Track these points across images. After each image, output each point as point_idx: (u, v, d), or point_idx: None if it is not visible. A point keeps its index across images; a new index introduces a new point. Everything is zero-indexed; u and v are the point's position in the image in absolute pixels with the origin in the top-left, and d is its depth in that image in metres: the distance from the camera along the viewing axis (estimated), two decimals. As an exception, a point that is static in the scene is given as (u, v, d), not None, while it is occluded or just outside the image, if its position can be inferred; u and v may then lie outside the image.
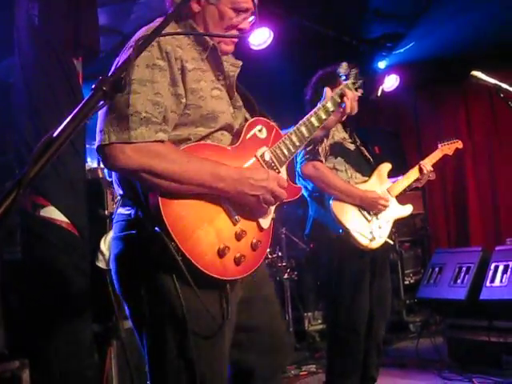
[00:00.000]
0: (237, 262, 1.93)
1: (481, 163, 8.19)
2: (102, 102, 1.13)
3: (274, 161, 2.15)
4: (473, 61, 6.70)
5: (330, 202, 3.63)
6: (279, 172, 2.15)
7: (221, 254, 1.88)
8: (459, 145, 4.41)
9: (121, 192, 2.02)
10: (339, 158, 3.79)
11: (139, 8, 5.51)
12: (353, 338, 3.69)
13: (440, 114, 8.49)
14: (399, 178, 4.05)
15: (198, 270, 1.82)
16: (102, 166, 5.36)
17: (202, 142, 1.97)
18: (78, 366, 3.66)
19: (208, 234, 1.88)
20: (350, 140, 3.95)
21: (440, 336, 5.42)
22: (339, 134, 3.86)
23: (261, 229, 2.07)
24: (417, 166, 4.11)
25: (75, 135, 1.16)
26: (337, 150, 3.79)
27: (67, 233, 3.69)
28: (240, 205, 1.97)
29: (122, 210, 1.99)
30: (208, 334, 1.90)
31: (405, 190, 4.00)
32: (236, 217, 1.96)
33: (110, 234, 3.95)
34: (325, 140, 3.65)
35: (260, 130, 2.16)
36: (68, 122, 1.09)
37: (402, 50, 7.40)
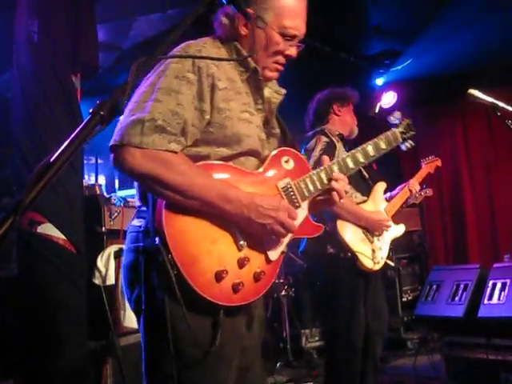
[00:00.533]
0: (234, 288, 1.84)
1: (478, 180, 8.21)
2: (99, 127, 1.13)
3: (296, 194, 2.05)
4: (470, 78, 6.74)
5: (337, 222, 3.61)
6: (299, 206, 2.05)
7: (218, 277, 1.80)
8: (438, 163, 4.47)
9: (138, 203, 2.03)
10: None
11: (138, 25, 5.54)
12: (351, 355, 3.68)
13: (437, 131, 8.53)
14: (393, 192, 4.06)
15: (191, 288, 1.76)
16: (99, 182, 5.37)
17: (222, 161, 1.92)
18: (74, 383, 3.64)
19: (209, 254, 1.82)
20: None
21: (438, 353, 5.38)
22: (343, 154, 3.88)
23: (268, 260, 1.97)
24: (404, 189, 4.11)
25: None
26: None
27: (64, 250, 3.68)
28: (249, 232, 1.90)
29: (135, 222, 2.00)
30: (191, 360, 1.84)
31: (401, 207, 4.00)
32: (242, 242, 1.88)
33: (107, 251, 3.97)
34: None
35: (287, 161, 2.09)
36: (65, 147, 1.09)
37: (399, 67, 7.44)
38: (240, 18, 2.01)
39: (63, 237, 3.68)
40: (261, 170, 2.03)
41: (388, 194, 4.07)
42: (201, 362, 1.83)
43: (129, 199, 4.48)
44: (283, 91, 2.22)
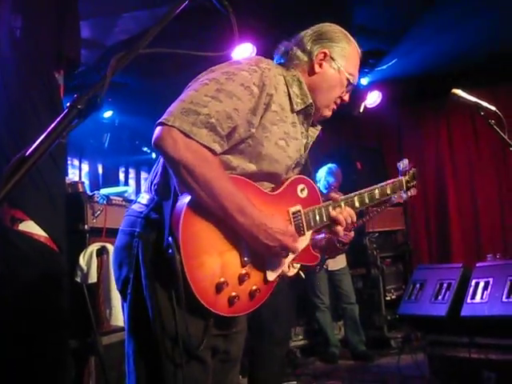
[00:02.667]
0: (230, 301, 1.90)
1: (462, 180, 8.27)
2: (76, 121, 1.12)
3: (303, 222, 2.15)
4: (455, 78, 6.79)
5: None
6: (304, 234, 2.15)
7: (219, 288, 1.87)
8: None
9: (146, 189, 2.08)
10: None
11: (123, 22, 5.50)
12: None
13: (422, 131, 8.58)
14: None
15: (190, 290, 1.81)
16: (82, 180, 5.32)
17: (244, 177, 1.99)
18: (54, 382, 3.61)
19: (214, 263, 1.87)
20: None
21: (421, 352, 5.41)
22: None
23: (265, 280, 2.04)
24: None
25: (56, 151, 1.14)
26: None
27: (45, 247, 3.65)
28: (254, 250, 1.97)
29: (135, 207, 2.05)
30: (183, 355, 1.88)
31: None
32: (246, 259, 1.96)
33: (90, 249, 3.94)
34: None
35: (302, 190, 2.20)
36: (41, 141, 1.08)
37: (384, 67, 7.45)
38: (319, 55, 2.16)
39: (45, 234, 3.64)
40: (276, 192, 2.12)
41: None
42: (176, 359, 1.88)
43: (112, 197, 4.45)
44: (319, 127, 2.33)
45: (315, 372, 5.97)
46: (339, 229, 2.24)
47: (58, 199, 3.79)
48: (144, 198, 2.04)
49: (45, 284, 3.65)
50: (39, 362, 3.57)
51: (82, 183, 4.45)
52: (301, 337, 6.64)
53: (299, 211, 2.15)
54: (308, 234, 2.19)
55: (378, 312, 7.08)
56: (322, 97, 2.18)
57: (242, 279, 1.94)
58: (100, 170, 8.49)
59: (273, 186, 2.13)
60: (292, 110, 2.11)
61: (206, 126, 1.82)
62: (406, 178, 2.82)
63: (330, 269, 6.44)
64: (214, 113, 1.84)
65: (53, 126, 1.10)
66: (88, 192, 4.40)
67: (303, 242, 2.16)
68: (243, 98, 1.91)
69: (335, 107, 2.26)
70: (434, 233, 8.50)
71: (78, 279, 3.90)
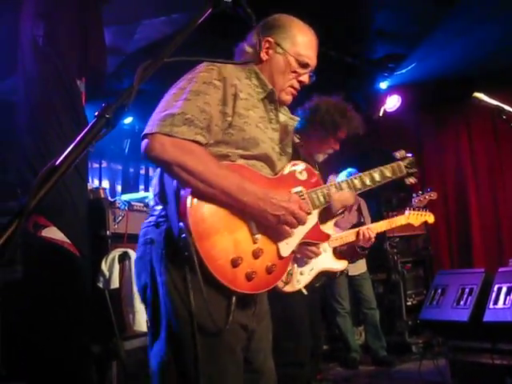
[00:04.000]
0: (248, 276, 1.96)
1: (483, 184, 8.19)
2: (104, 130, 1.13)
3: (308, 202, 2.24)
4: (475, 82, 6.75)
5: None
6: (310, 213, 2.20)
7: (234, 263, 1.93)
8: (430, 219, 4.33)
9: (152, 203, 2.18)
10: None
11: (143, 28, 5.54)
12: (296, 372, 3.60)
13: (442, 134, 8.52)
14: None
15: (207, 271, 1.88)
16: (103, 186, 5.36)
17: (241, 163, 2.09)
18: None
19: (226, 242, 1.95)
20: None
21: (443, 358, 5.36)
22: None
23: (280, 256, 2.11)
24: (355, 230, 3.91)
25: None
26: None
27: (68, 253, 3.68)
28: (263, 226, 2.05)
29: (147, 220, 2.15)
30: (209, 333, 1.93)
31: (341, 246, 3.79)
32: (257, 235, 2.03)
33: (112, 255, 3.97)
34: None
35: (300, 172, 2.30)
36: (71, 150, 1.09)
37: (404, 71, 7.42)
38: (263, 44, 2.27)
39: (67, 240, 3.68)
40: (276, 177, 2.23)
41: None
42: (215, 336, 1.93)
43: (133, 203, 4.48)
44: (297, 118, 2.47)
45: (336, 377, 5.93)
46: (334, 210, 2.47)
47: (80, 205, 3.82)
48: (154, 210, 2.14)
49: (67, 289, 3.68)
50: (61, 366, 3.60)
51: (104, 189, 4.48)
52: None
53: (301, 191, 2.24)
54: (315, 212, 2.28)
55: (398, 317, 7.03)
56: (274, 82, 2.26)
57: (256, 255, 2.01)
58: (120, 176, 8.54)
59: (269, 169, 2.22)
60: (258, 99, 2.21)
61: (184, 122, 1.93)
62: (405, 162, 2.90)
63: (350, 274, 6.40)
64: (188, 110, 1.95)
65: (81, 135, 1.11)
66: (109, 198, 4.43)
67: (311, 219, 2.22)
68: (209, 92, 2.03)
69: (294, 91, 2.34)
70: (455, 237, 8.43)
71: (100, 285, 3.92)
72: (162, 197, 2.10)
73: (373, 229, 3.94)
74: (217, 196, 1.93)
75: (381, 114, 7.84)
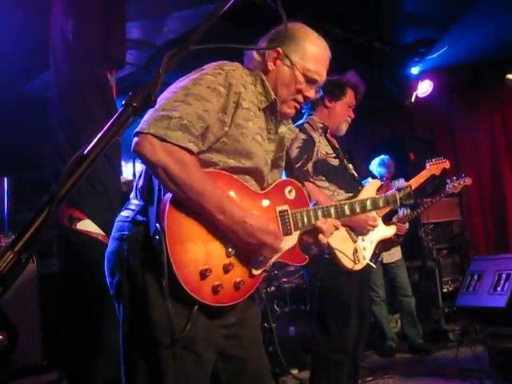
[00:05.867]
0: (214, 289, 1.94)
1: (519, 168, 8.07)
2: (131, 118, 1.14)
3: (291, 222, 2.20)
4: (508, 64, 6.62)
5: None
6: (291, 234, 2.19)
7: (202, 274, 1.91)
8: (446, 165, 4.31)
9: (132, 195, 2.16)
10: (320, 176, 3.65)
11: (172, 21, 5.57)
12: (341, 359, 3.60)
13: (476, 120, 8.38)
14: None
15: (174, 276, 1.85)
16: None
17: (229, 173, 2.06)
18: (114, 376, 3.68)
19: (198, 251, 1.92)
20: (333, 155, 3.78)
21: (480, 345, 5.30)
22: (323, 149, 3.73)
23: (250, 274, 2.08)
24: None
25: (110, 150, 1.16)
26: (319, 166, 3.66)
27: (103, 245, 3.72)
28: (237, 245, 2.02)
29: (123, 213, 2.12)
30: (161, 345, 1.93)
31: (391, 210, 3.84)
32: (231, 250, 2.00)
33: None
34: (312, 158, 3.60)
35: (290, 191, 2.26)
36: (99, 139, 1.10)
37: (435, 56, 7.32)
38: (271, 54, 2.23)
39: (102, 233, 3.72)
40: (263, 192, 2.19)
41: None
42: (169, 349, 1.92)
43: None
44: (297, 130, 2.46)
45: (372, 366, 5.93)
46: (321, 237, 2.28)
47: (114, 198, 3.86)
48: (132, 203, 2.11)
49: (103, 281, 3.72)
50: (99, 357, 3.65)
51: (137, 182, 4.52)
52: (357, 330, 6.59)
53: (286, 211, 2.20)
54: (295, 234, 2.22)
55: (434, 304, 6.98)
56: (278, 93, 2.22)
57: (226, 269, 1.98)
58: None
59: (257, 183, 2.19)
60: (259, 108, 2.19)
61: (179, 128, 1.89)
62: (401, 194, 2.96)
63: (385, 261, 6.38)
64: (186, 115, 1.92)
65: (109, 124, 1.12)
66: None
67: (289, 241, 2.19)
68: (211, 99, 1.99)
69: (297, 104, 2.29)
70: (491, 223, 8.33)
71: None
72: (144, 193, 2.07)
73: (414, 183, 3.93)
74: (194, 208, 1.92)
75: (413, 100, 7.74)
